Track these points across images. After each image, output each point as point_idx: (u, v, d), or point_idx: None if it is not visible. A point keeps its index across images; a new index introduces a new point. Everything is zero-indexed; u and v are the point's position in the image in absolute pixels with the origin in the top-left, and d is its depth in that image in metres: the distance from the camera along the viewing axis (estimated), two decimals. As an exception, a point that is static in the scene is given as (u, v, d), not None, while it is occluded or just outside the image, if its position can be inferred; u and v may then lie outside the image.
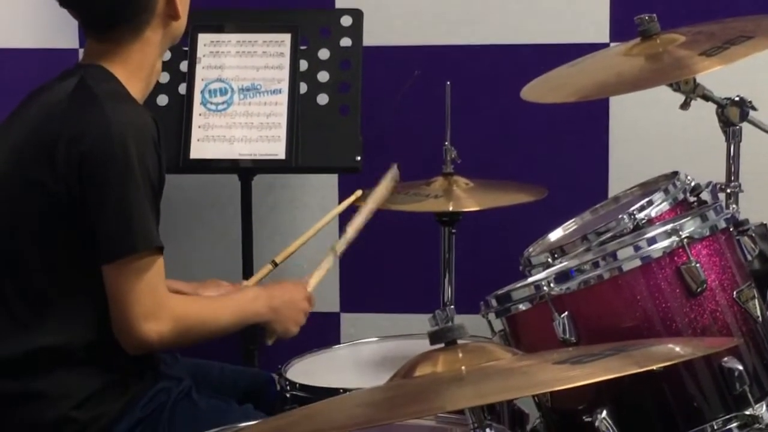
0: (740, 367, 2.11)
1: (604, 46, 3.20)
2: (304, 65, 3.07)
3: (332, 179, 3.38)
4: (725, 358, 2.12)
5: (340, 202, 3.37)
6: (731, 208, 2.35)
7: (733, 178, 2.64)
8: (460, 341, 1.88)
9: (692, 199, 2.46)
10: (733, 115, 2.61)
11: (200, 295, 2.61)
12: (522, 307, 2.22)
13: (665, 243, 2.17)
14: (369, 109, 3.10)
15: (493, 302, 2.26)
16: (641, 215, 2.38)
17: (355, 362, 2.77)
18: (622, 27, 3.18)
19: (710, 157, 2.73)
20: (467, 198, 2.86)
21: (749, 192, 2.67)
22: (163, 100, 3.06)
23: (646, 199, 2.41)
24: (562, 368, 1.69)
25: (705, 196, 2.47)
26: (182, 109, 3.04)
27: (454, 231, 2.92)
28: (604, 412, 2.10)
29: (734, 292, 2.19)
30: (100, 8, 2.33)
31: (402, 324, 3.26)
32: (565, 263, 2.35)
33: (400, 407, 1.71)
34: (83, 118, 2.27)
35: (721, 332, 2.15)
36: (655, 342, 1.96)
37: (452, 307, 1.80)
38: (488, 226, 3.21)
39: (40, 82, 2.43)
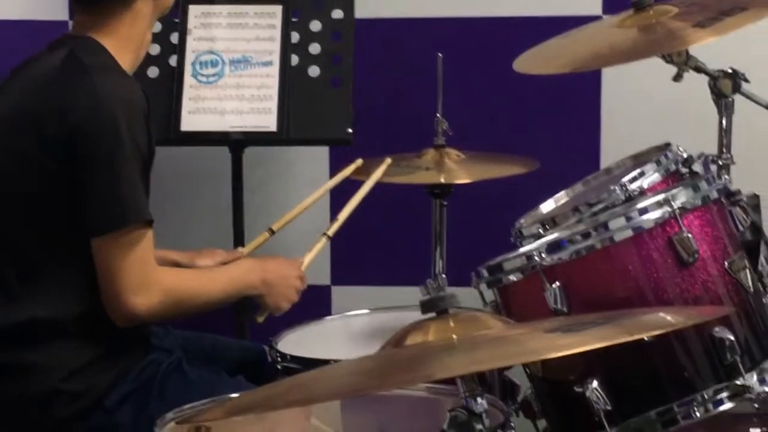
0: (731, 337, 2.11)
1: (597, 18, 3.19)
2: (295, 37, 3.06)
3: (323, 151, 3.37)
4: (716, 328, 2.12)
5: (331, 174, 3.38)
6: (723, 179, 2.34)
7: (725, 150, 2.63)
8: (451, 311, 1.87)
9: (684, 170, 2.45)
10: (725, 87, 2.60)
11: (196, 264, 2.61)
12: (513, 277, 2.21)
13: (657, 213, 2.16)
14: (361, 82, 3.08)
15: (485, 273, 2.26)
16: (633, 186, 2.37)
17: (346, 334, 2.77)
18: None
19: (703, 129, 2.72)
20: (459, 170, 2.85)
21: (741, 164, 2.66)
22: (153, 72, 3.05)
23: (638, 170, 2.40)
24: (554, 337, 1.69)
25: (697, 167, 2.46)
26: (173, 81, 3.03)
27: (445, 203, 2.92)
28: (595, 382, 2.10)
29: (726, 263, 2.19)
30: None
31: (394, 296, 3.26)
32: (557, 234, 2.34)
33: (391, 376, 1.71)
34: (73, 90, 2.26)
35: (713, 302, 2.15)
36: (647, 311, 1.96)
37: (443, 276, 1.79)
38: (480, 198, 3.21)
39: (28, 53, 2.42)
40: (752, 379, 2.12)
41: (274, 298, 2.50)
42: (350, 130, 2.98)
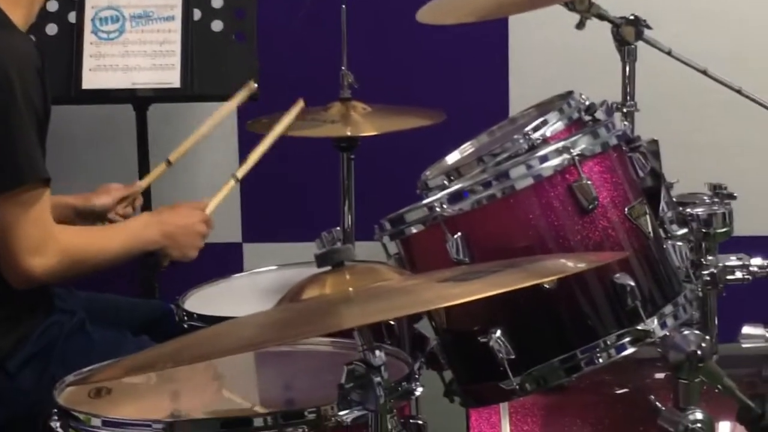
0: (632, 283, 2.11)
1: (501, -34, 3.17)
2: (197, -9, 3.01)
3: (230, 107, 3.32)
4: (617, 274, 2.12)
5: (239, 129, 3.35)
6: (623, 125, 2.34)
7: (628, 98, 2.64)
8: (348, 264, 1.86)
9: (587, 118, 2.45)
10: (628, 34, 2.61)
11: (93, 203, 2.58)
12: (415, 229, 2.19)
13: (556, 161, 2.15)
14: (265, 36, 3.05)
15: (387, 225, 2.24)
16: (536, 135, 2.35)
17: (253, 291, 2.75)
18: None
19: (607, 76, 2.72)
20: (365, 123, 2.84)
21: (645, 111, 2.67)
22: (52, 29, 2.99)
23: (541, 119, 2.39)
24: (448, 286, 1.69)
25: (600, 115, 2.46)
26: (72, 38, 2.97)
27: (352, 157, 2.90)
28: (498, 332, 2.09)
29: (626, 209, 2.19)
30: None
31: (305, 252, 3.21)
32: (459, 185, 2.34)
33: (290, 328, 1.69)
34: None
35: (614, 249, 2.15)
36: (545, 257, 1.96)
37: (338, 228, 1.78)
38: (387, 151, 3.19)
39: None
40: (653, 323, 2.13)
41: (179, 248, 2.48)
42: (255, 85, 2.95)
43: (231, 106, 2.78)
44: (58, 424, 1.89)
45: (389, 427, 1.68)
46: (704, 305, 2.40)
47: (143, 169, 3.06)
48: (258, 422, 1.85)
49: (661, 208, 2.31)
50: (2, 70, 2.20)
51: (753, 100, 2.71)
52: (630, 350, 2.13)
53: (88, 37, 2.97)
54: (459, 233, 2.14)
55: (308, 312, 1.72)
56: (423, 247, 2.22)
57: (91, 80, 2.96)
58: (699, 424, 2.02)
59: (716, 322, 2.44)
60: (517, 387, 2.10)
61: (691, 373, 2.03)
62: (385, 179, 3.24)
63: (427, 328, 2.40)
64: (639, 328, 2.12)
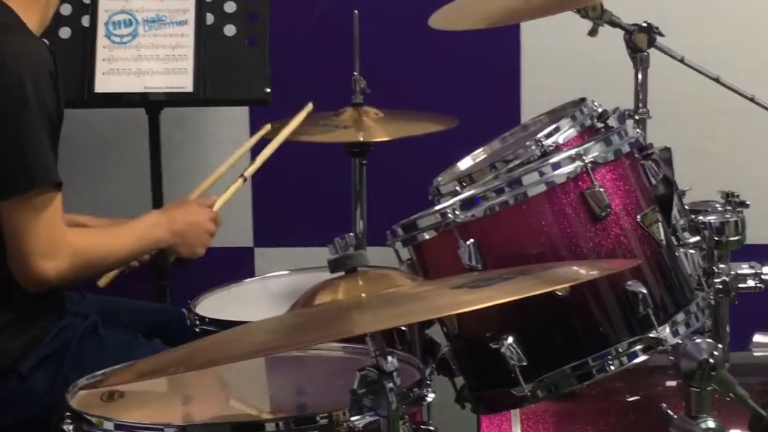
0: (644, 290, 2.11)
1: (514, -28, 3.17)
2: (210, -5, 3.02)
3: (242, 112, 3.33)
4: (629, 282, 2.12)
5: (251, 134, 3.35)
6: (636, 133, 2.34)
7: (641, 105, 2.64)
8: (361, 269, 1.87)
9: (600, 125, 2.45)
10: (640, 41, 2.62)
11: None
12: (427, 235, 2.20)
13: (569, 168, 2.16)
14: (277, 40, 3.05)
15: (400, 231, 2.24)
16: (548, 142, 2.36)
17: (265, 296, 2.75)
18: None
19: (619, 83, 2.73)
20: (377, 128, 2.84)
21: (657, 118, 2.67)
22: (65, 32, 2.99)
23: (554, 126, 2.40)
24: (460, 292, 1.69)
25: (612, 122, 2.46)
26: (85, 41, 2.97)
27: (364, 162, 2.90)
28: (510, 338, 2.09)
29: (638, 216, 2.19)
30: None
31: (316, 257, 3.21)
32: (472, 191, 2.34)
33: (302, 334, 1.70)
34: (-26, 51, 2.20)
35: (626, 256, 2.15)
36: (557, 265, 1.96)
37: (351, 234, 1.78)
38: (399, 157, 3.19)
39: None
40: (665, 331, 2.13)
41: (188, 246, 2.49)
42: (268, 90, 2.95)
43: (249, 144, 2.77)
44: (70, 427, 1.90)
45: (401, 432, 1.68)
46: (716, 313, 2.40)
47: (155, 173, 3.06)
48: (270, 427, 1.85)
49: (673, 215, 2.31)
50: (16, 73, 2.21)
51: (766, 108, 2.72)
52: (642, 358, 2.13)
53: (101, 40, 2.98)
54: (471, 239, 2.14)
55: (321, 317, 1.73)
56: (435, 253, 2.22)
57: (103, 84, 2.96)
58: (711, 433, 2.02)
59: (728, 330, 2.43)
60: (529, 394, 2.10)
61: (703, 382, 2.03)
62: (397, 184, 3.25)
63: (438, 334, 2.40)
64: (651, 335, 2.12)
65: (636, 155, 2.26)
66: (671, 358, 2.15)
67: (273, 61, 2.98)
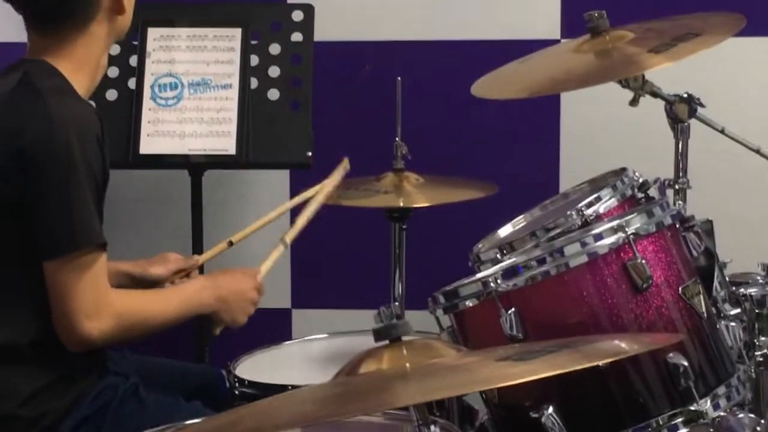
0: (685, 363, 2.12)
1: (555, 42, 3.21)
2: (254, 60, 3.06)
3: (283, 175, 3.37)
4: (670, 354, 2.13)
5: (291, 197, 3.38)
6: (677, 205, 2.36)
7: (681, 175, 2.65)
8: (405, 338, 1.88)
9: (640, 195, 2.48)
10: (681, 111, 2.62)
11: (149, 272, 2.59)
12: (469, 303, 2.22)
13: (611, 239, 2.17)
14: (320, 105, 3.09)
15: (441, 298, 2.26)
16: (589, 211, 2.38)
17: (304, 359, 2.76)
18: (572, 23, 3.19)
19: (659, 153, 2.74)
20: (418, 194, 2.85)
21: (697, 188, 2.68)
22: (112, 94, 3.04)
23: (594, 196, 2.42)
24: (505, 365, 1.69)
25: (653, 192, 2.48)
26: (131, 104, 3.02)
27: (404, 227, 2.92)
28: (551, 408, 2.10)
29: (680, 288, 2.20)
30: (44, 2, 2.30)
31: (353, 320, 3.25)
32: (513, 259, 2.35)
33: (345, 404, 1.70)
34: (25, 113, 2.24)
35: (667, 328, 2.16)
36: (600, 338, 1.96)
37: (396, 303, 1.80)
38: (439, 222, 3.21)
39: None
40: (706, 404, 2.14)
41: (231, 313, 2.49)
42: (309, 154, 2.98)
43: (300, 198, 2.77)
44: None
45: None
46: (757, 386, 2.38)
47: (197, 234, 3.10)
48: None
49: (714, 287, 2.32)
50: (63, 136, 2.23)
51: (806, 179, 2.72)
52: (682, 431, 2.13)
53: (147, 103, 3.02)
54: (513, 308, 2.16)
55: (365, 387, 1.73)
56: (476, 322, 2.23)
57: (148, 146, 3.00)
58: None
59: (769, 403, 2.42)
60: (570, 463, 2.10)
61: (745, 457, 2.03)
62: (436, 250, 3.26)
63: (476, 400, 2.40)
64: (692, 408, 2.13)
65: (678, 227, 2.28)
66: (711, 431, 2.15)
67: (315, 125, 3.02)
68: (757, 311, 2.40)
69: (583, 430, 2.12)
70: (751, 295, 2.41)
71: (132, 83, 3.04)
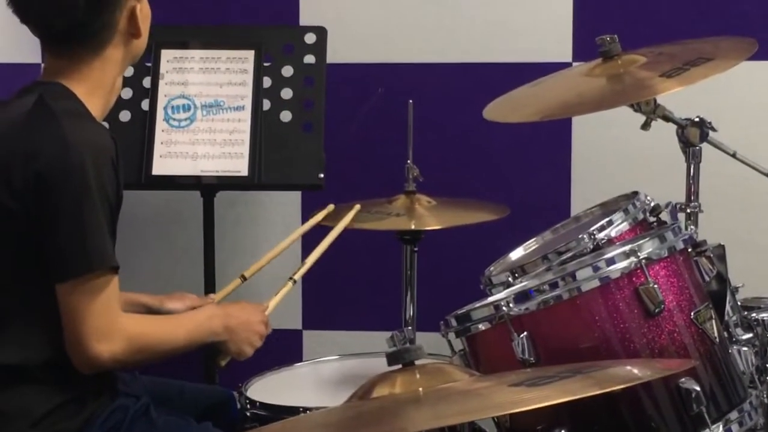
0: (697, 388, 2.12)
1: (567, 65, 3.22)
2: (267, 82, 3.07)
3: (295, 196, 3.38)
4: (682, 379, 2.13)
5: (303, 218, 3.39)
6: (689, 229, 2.36)
7: (692, 198, 2.65)
8: (418, 362, 1.88)
9: (652, 219, 2.48)
10: (693, 135, 2.63)
11: (165, 307, 2.60)
12: (481, 326, 2.22)
13: (623, 263, 2.18)
14: (332, 127, 3.10)
15: (453, 322, 2.27)
16: (601, 235, 2.39)
17: (315, 381, 2.76)
18: (584, 47, 3.20)
19: (671, 177, 2.75)
20: (429, 216, 2.86)
21: (709, 212, 2.68)
22: (125, 116, 3.05)
23: (606, 219, 2.43)
24: (518, 391, 1.70)
25: (665, 216, 2.49)
26: (145, 125, 3.03)
27: (416, 249, 2.92)
28: (562, 432, 2.10)
29: (692, 313, 2.21)
30: (61, 25, 2.31)
31: (364, 341, 3.26)
32: (525, 283, 2.36)
33: (358, 428, 1.71)
34: (40, 135, 2.25)
35: (679, 353, 2.16)
36: (612, 364, 1.96)
37: (409, 328, 1.80)
38: (450, 245, 3.21)
39: (2, 97, 2.42)
40: (718, 429, 2.14)
41: (237, 344, 2.49)
42: (321, 176, 2.99)
43: (308, 226, 2.79)
44: None
45: None
46: (769, 412, 2.39)
47: (209, 254, 3.10)
48: None
49: (726, 311, 2.32)
50: (78, 159, 2.24)
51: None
52: (694, 456, 2.13)
53: (160, 124, 3.04)
54: (525, 332, 2.16)
55: (378, 412, 1.74)
56: (489, 345, 2.24)
57: (160, 167, 3.01)
58: None
59: (781, 429, 2.42)
60: (581, 488, 2.10)
61: (757, 483, 2.03)
62: (447, 272, 3.27)
63: (488, 423, 2.40)
64: (704, 433, 2.12)
65: (690, 251, 2.28)
66: (724, 455, 2.15)
67: (327, 147, 3.03)
68: (768, 336, 2.41)
69: (594, 455, 2.12)
70: (763, 320, 2.41)
71: (145, 104, 3.06)
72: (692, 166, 2.64)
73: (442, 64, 3.34)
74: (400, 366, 1.85)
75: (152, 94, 3.05)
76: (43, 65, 2.38)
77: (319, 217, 2.81)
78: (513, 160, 3.34)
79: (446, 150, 3.33)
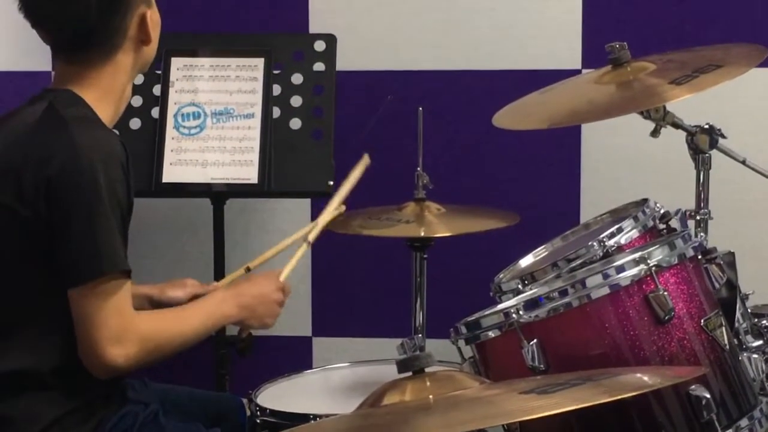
0: (708, 395, 2.12)
1: (576, 72, 3.22)
2: (277, 90, 3.08)
3: (305, 204, 3.38)
4: (693, 386, 2.12)
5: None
6: (699, 236, 2.36)
7: (702, 206, 2.65)
8: (428, 369, 1.88)
9: (662, 226, 2.48)
10: (702, 142, 2.63)
11: (167, 295, 2.60)
12: (491, 334, 2.22)
13: (633, 271, 2.17)
14: (342, 134, 3.10)
15: (463, 329, 2.27)
16: (611, 242, 2.39)
17: (325, 388, 2.77)
18: (593, 54, 3.20)
19: (680, 184, 2.75)
20: (439, 223, 2.86)
21: (718, 219, 2.68)
22: (135, 123, 3.06)
23: (616, 227, 2.43)
24: (529, 398, 1.70)
25: (674, 223, 2.48)
26: (155, 132, 3.04)
27: (425, 256, 2.92)
28: (573, 440, 2.10)
29: (702, 320, 2.20)
30: (72, 29, 2.31)
31: (374, 348, 3.26)
32: (535, 290, 2.36)
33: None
34: (51, 142, 2.26)
35: (689, 360, 2.16)
36: (622, 371, 1.96)
37: (420, 335, 1.80)
38: (460, 252, 3.22)
39: (14, 105, 2.43)
40: (729, 437, 2.13)
41: (257, 319, 2.46)
42: (331, 183, 3.00)
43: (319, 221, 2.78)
44: None
45: None
46: (779, 419, 2.38)
47: (219, 262, 3.11)
48: None
49: (736, 319, 2.31)
50: (89, 165, 2.24)
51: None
52: (705, 463, 2.13)
53: (170, 132, 3.04)
54: (535, 340, 2.16)
55: (389, 419, 1.74)
56: (499, 353, 2.24)
57: (171, 174, 3.02)
58: None
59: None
60: (591, 495, 2.10)
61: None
62: (457, 279, 3.27)
63: (497, 428, 2.40)
64: (714, 441, 2.12)
65: (700, 259, 2.28)
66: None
67: (337, 154, 3.03)
68: (779, 343, 2.40)
69: (605, 462, 2.12)
70: (773, 327, 2.41)
71: (155, 112, 3.07)
72: (702, 173, 2.64)
73: (451, 71, 3.35)
74: (410, 373, 1.86)
75: (162, 101, 3.06)
76: (53, 73, 2.39)
77: (326, 216, 2.79)
78: (522, 167, 3.34)
79: (456, 157, 3.33)
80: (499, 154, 3.32)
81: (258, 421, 2.54)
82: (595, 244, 2.39)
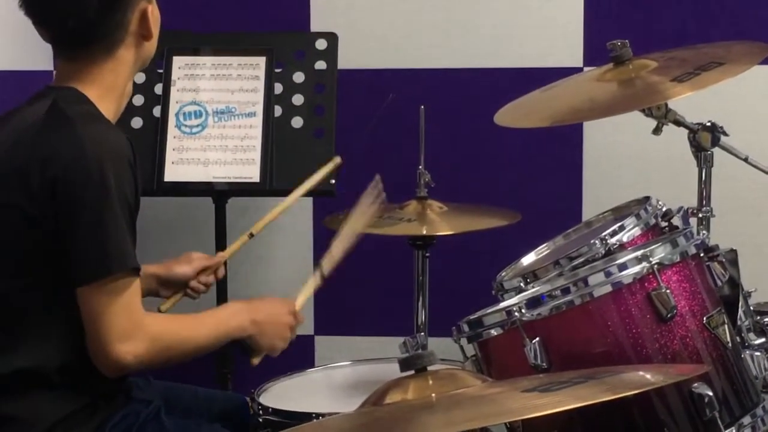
0: (710, 393, 2.12)
1: (578, 70, 3.22)
2: (278, 88, 3.08)
3: (307, 202, 3.38)
4: (695, 384, 2.12)
5: (315, 225, 3.39)
6: (701, 234, 2.36)
7: (704, 203, 2.65)
8: (430, 367, 1.88)
9: (664, 224, 2.48)
10: (704, 140, 2.62)
11: (174, 272, 2.61)
12: (493, 332, 2.22)
13: (636, 269, 2.17)
14: (343, 133, 3.10)
15: (465, 327, 2.27)
16: (613, 240, 2.39)
17: (328, 386, 2.77)
18: (595, 52, 3.20)
19: (683, 181, 2.74)
20: (441, 222, 2.86)
21: (721, 217, 2.68)
22: (137, 122, 3.06)
23: (618, 224, 2.43)
24: (531, 396, 1.70)
25: (676, 221, 2.48)
26: (156, 131, 3.04)
27: (427, 254, 2.93)
28: (575, 437, 2.10)
29: (704, 318, 2.20)
30: (73, 24, 2.31)
31: (376, 347, 3.27)
32: (537, 288, 2.36)
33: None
34: (57, 140, 2.25)
35: (692, 358, 2.16)
36: (625, 369, 1.96)
37: (422, 334, 1.80)
38: (462, 250, 3.22)
39: (14, 104, 2.43)
40: (731, 434, 2.13)
41: (267, 338, 2.45)
42: (333, 182, 2.99)
43: (316, 178, 2.78)
44: None
45: None
46: (782, 416, 2.38)
47: (220, 260, 3.10)
48: None
49: (738, 316, 2.31)
50: (96, 162, 2.24)
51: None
52: (708, 461, 2.13)
53: (172, 131, 3.04)
54: (537, 338, 2.16)
55: (391, 418, 1.74)
56: (501, 351, 2.24)
57: (173, 173, 3.02)
58: None
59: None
60: (593, 492, 2.10)
61: (770, 488, 2.03)
62: (459, 277, 3.27)
63: (500, 429, 2.40)
64: (717, 438, 2.12)
65: (702, 256, 2.28)
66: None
67: (339, 153, 3.03)
68: (782, 341, 2.40)
69: (607, 460, 2.12)
70: (775, 325, 2.41)
71: (157, 111, 3.07)
72: (704, 171, 2.64)
73: (453, 69, 3.35)
74: (412, 372, 1.86)
75: (164, 100, 3.06)
76: (54, 72, 2.39)
77: (324, 170, 2.78)
78: (524, 165, 3.34)
79: (458, 155, 3.33)
80: (500, 152, 3.32)
81: (261, 420, 2.54)
82: (597, 242, 2.39)
